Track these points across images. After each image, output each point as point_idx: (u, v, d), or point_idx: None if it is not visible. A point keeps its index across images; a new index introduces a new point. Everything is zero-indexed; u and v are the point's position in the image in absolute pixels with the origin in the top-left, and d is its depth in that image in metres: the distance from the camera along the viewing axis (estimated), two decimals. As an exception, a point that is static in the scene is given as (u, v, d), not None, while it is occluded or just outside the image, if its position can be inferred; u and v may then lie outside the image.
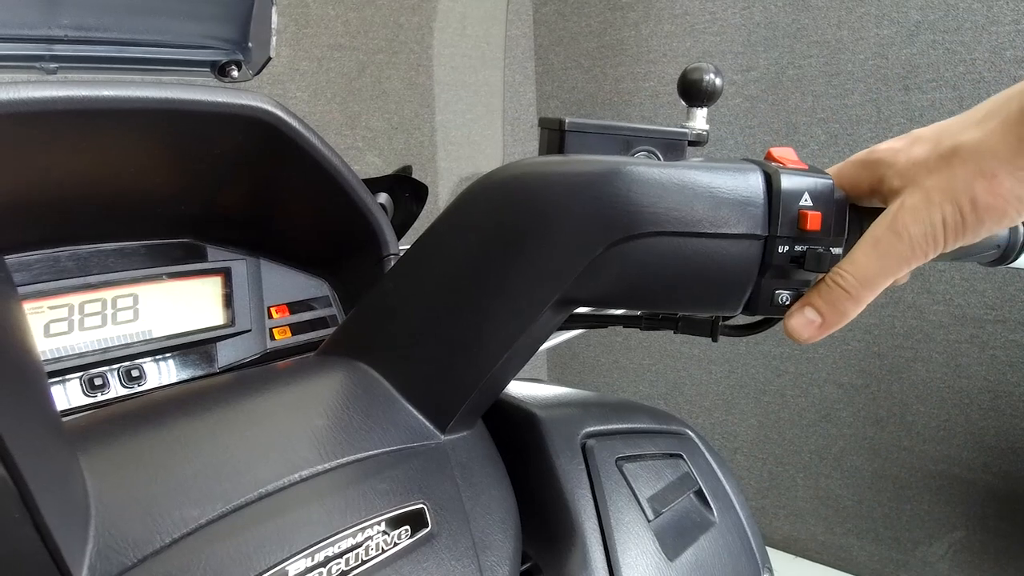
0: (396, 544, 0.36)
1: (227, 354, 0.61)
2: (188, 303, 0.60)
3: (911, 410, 1.46)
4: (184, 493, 0.33)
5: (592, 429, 0.51)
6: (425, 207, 0.75)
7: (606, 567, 0.45)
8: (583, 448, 0.50)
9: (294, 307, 0.66)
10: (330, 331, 0.67)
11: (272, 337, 0.63)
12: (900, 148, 0.38)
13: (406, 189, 0.72)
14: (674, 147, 0.42)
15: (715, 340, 0.47)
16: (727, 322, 0.47)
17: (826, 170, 0.40)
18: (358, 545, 0.35)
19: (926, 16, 1.34)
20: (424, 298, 0.43)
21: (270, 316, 0.64)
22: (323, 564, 0.33)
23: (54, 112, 0.44)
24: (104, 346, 0.55)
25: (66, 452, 0.31)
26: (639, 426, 0.54)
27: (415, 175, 0.73)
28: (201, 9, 0.61)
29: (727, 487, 0.55)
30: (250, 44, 0.64)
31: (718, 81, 0.44)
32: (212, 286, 0.61)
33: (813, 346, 1.56)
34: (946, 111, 1.33)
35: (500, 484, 0.44)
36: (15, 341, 0.24)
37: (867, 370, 1.50)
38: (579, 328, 0.58)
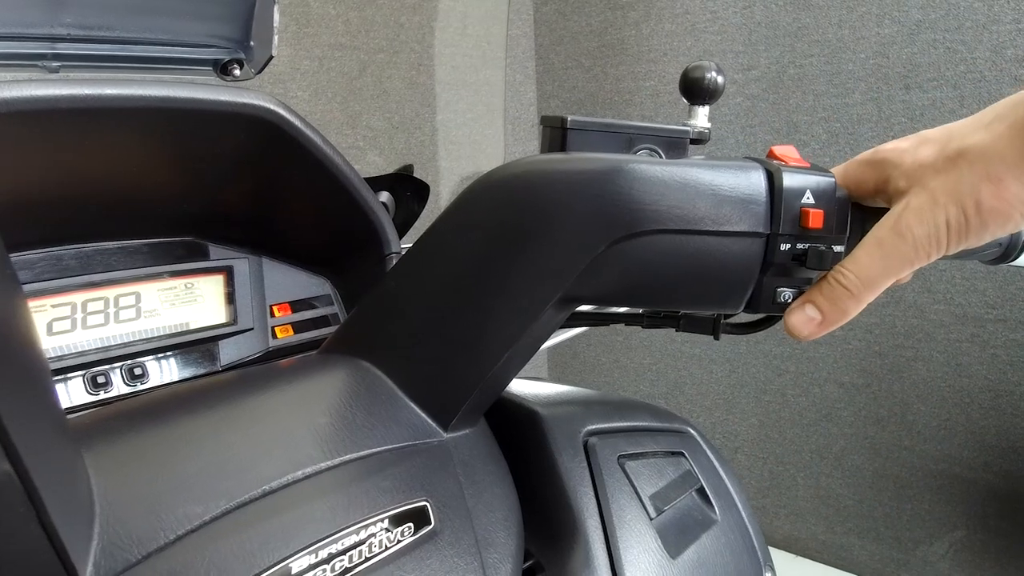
0: (399, 541, 0.36)
1: (229, 352, 0.61)
2: (190, 301, 0.60)
3: (912, 409, 1.46)
4: (188, 490, 0.33)
5: (594, 427, 0.51)
6: (426, 206, 0.75)
7: (608, 565, 0.45)
8: (585, 446, 0.50)
9: (296, 305, 0.66)
10: (332, 329, 0.67)
11: (274, 335, 0.63)
12: (906, 149, 0.38)
13: (408, 188, 0.72)
14: (676, 145, 0.42)
15: (717, 338, 0.47)
16: (729, 320, 0.47)
17: (831, 169, 0.40)
18: (361, 542, 0.35)
19: (927, 15, 1.34)
20: (426, 296, 0.43)
21: (272, 314, 0.64)
22: (326, 561, 0.33)
23: (57, 111, 0.44)
24: (107, 344, 0.55)
25: (71, 450, 0.31)
26: (641, 424, 0.55)
27: (416, 174, 0.73)
28: (203, 8, 0.61)
29: (729, 485, 0.56)
30: (252, 43, 0.64)
31: (720, 79, 0.44)
32: (214, 284, 0.61)
33: (814, 345, 1.56)
34: (947, 110, 1.33)
35: (502, 482, 0.44)
36: (21, 339, 0.24)
37: (868, 369, 1.50)
38: (581, 326, 0.58)
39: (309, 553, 0.33)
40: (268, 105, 0.52)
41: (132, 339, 0.56)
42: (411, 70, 1.66)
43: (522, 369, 0.44)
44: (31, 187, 0.49)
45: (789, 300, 0.40)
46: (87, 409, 0.53)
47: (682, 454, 0.55)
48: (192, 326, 0.59)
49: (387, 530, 0.36)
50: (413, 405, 0.42)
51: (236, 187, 0.58)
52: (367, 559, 0.35)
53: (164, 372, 0.57)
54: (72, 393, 0.53)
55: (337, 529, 0.34)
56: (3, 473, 0.23)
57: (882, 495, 1.53)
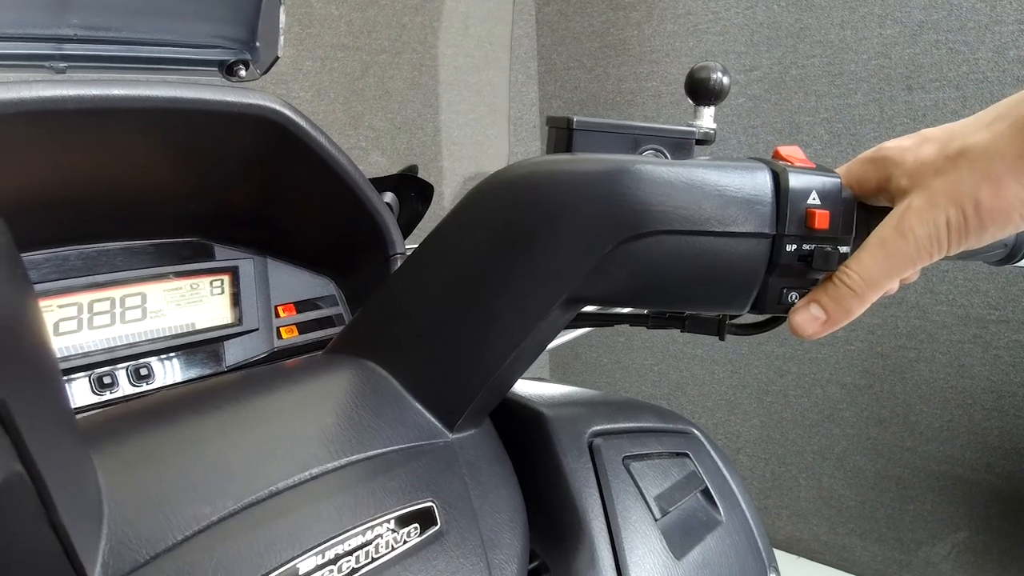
0: (405, 542, 0.36)
1: (235, 353, 0.61)
2: (196, 302, 0.60)
3: (914, 410, 1.46)
4: (195, 491, 0.33)
5: (599, 428, 0.51)
6: (429, 206, 0.75)
7: (613, 565, 0.45)
8: (590, 447, 0.50)
9: (301, 306, 0.66)
10: (337, 330, 0.67)
11: (279, 336, 0.63)
12: (908, 147, 0.38)
13: (412, 189, 0.72)
14: (681, 146, 0.42)
15: (722, 339, 0.47)
16: (734, 321, 0.47)
17: (834, 169, 0.40)
18: (368, 543, 0.35)
19: (929, 16, 1.34)
20: (432, 297, 0.43)
21: (277, 315, 0.64)
22: (333, 561, 0.33)
23: (64, 111, 0.44)
24: (112, 345, 0.55)
25: (80, 450, 0.31)
26: (645, 425, 0.55)
27: (419, 175, 0.73)
28: (209, 9, 0.61)
29: (733, 486, 0.56)
30: (258, 44, 0.64)
31: (725, 80, 0.44)
32: (220, 285, 0.61)
33: (816, 346, 1.56)
34: (949, 111, 1.33)
35: (508, 482, 0.44)
36: (32, 338, 0.24)
37: (870, 370, 1.50)
38: (585, 326, 0.58)
39: (316, 554, 0.33)
40: (274, 106, 0.52)
41: (138, 339, 0.56)
42: (413, 71, 1.66)
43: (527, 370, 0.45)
44: (38, 188, 0.49)
45: (795, 301, 0.40)
46: (93, 409, 0.53)
47: (687, 455, 0.55)
48: (198, 326, 0.59)
49: (393, 531, 0.36)
50: (419, 406, 0.42)
51: (242, 188, 0.58)
52: (374, 560, 0.35)
53: (170, 372, 0.58)
54: (78, 393, 0.53)
55: (344, 530, 0.34)
56: (14, 474, 0.23)
57: (884, 496, 1.53)
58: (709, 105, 0.44)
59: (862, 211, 0.40)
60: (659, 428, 0.55)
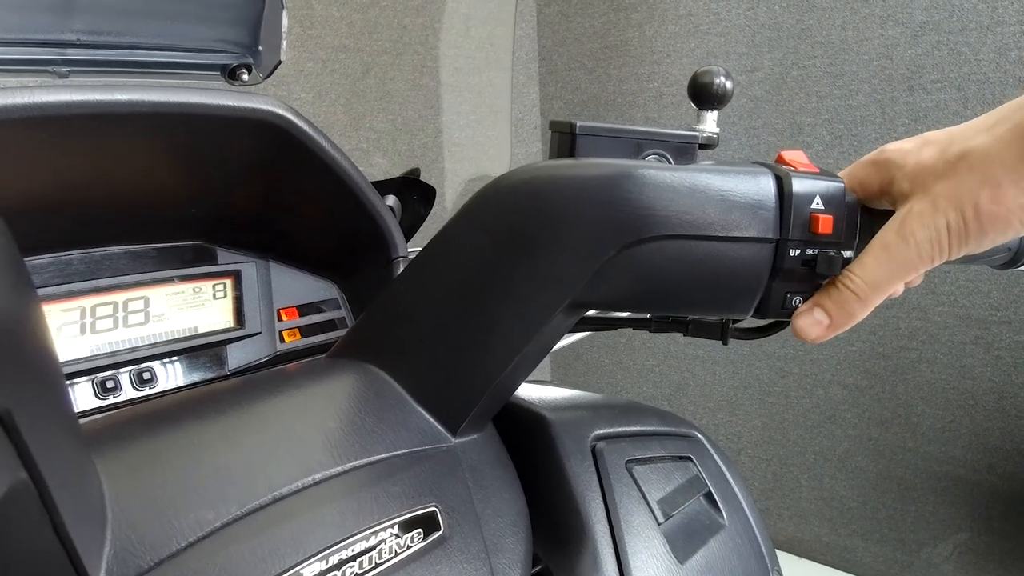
0: (409, 547, 0.36)
1: (237, 356, 0.61)
2: (198, 306, 0.60)
3: (916, 411, 1.46)
4: (199, 496, 0.33)
5: (602, 432, 0.51)
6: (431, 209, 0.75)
7: (617, 570, 0.45)
8: (593, 451, 0.50)
9: (303, 309, 0.66)
10: (339, 334, 0.67)
11: (282, 339, 0.64)
12: (909, 150, 0.38)
13: (414, 191, 0.72)
14: (685, 150, 0.42)
15: (725, 343, 0.47)
16: (737, 325, 0.47)
17: (837, 172, 0.40)
18: (371, 548, 0.35)
19: (931, 17, 1.34)
20: (435, 302, 0.43)
21: (280, 318, 0.64)
22: (337, 567, 0.33)
23: (67, 116, 0.44)
24: (115, 349, 0.55)
25: (84, 455, 0.31)
26: (648, 428, 0.55)
27: (421, 177, 0.73)
28: (212, 13, 0.61)
29: (736, 490, 0.56)
30: (260, 47, 0.65)
31: (728, 84, 0.44)
32: (222, 289, 0.61)
33: (818, 347, 1.56)
34: (951, 112, 1.33)
35: (511, 487, 0.44)
36: (36, 343, 0.24)
37: (872, 371, 1.50)
38: (588, 330, 0.58)
39: (320, 559, 0.33)
40: (277, 110, 0.52)
41: (141, 343, 0.56)
42: (415, 72, 1.66)
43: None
44: (41, 192, 0.50)
45: (798, 305, 0.40)
46: (96, 414, 0.53)
47: (690, 458, 0.55)
48: (200, 330, 0.59)
49: (397, 536, 0.36)
50: (422, 410, 0.42)
51: (244, 191, 0.58)
52: (377, 565, 0.35)
53: (172, 376, 0.58)
54: (81, 398, 0.53)
55: (347, 535, 0.34)
56: (19, 480, 0.23)
57: (886, 497, 1.52)
58: (712, 109, 0.44)
59: (865, 215, 0.40)
60: (662, 432, 0.55)
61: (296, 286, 0.66)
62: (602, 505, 0.47)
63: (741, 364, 1.69)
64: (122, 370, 0.55)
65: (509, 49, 1.87)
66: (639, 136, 0.41)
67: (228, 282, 0.62)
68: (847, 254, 0.39)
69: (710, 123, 0.44)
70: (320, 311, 0.67)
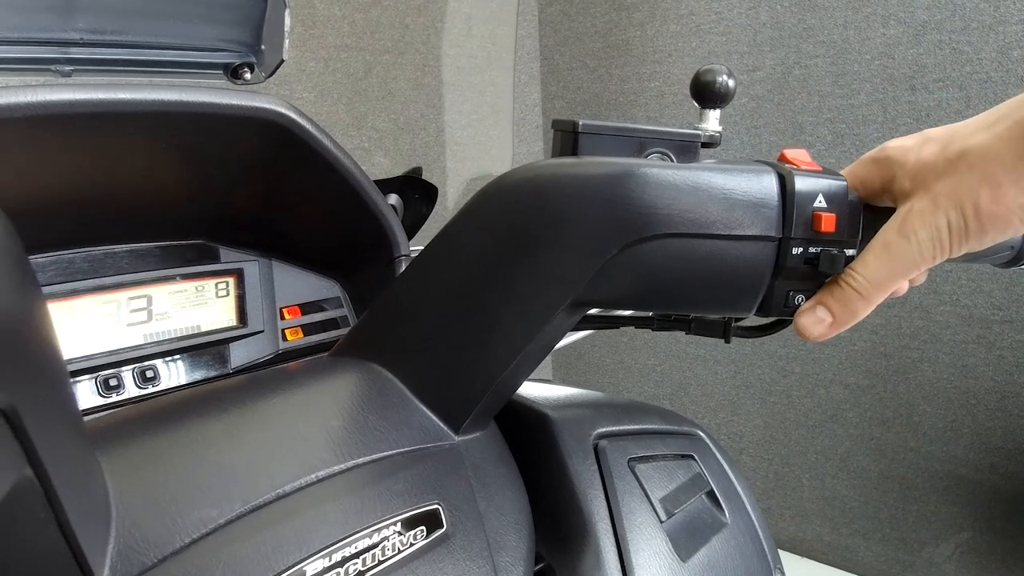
0: (412, 544, 0.36)
1: (240, 355, 0.61)
2: (201, 304, 0.60)
3: (918, 411, 1.46)
4: (202, 494, 0.33)
5: (604, 430, 0.51)
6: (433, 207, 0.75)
7: (619, 568, 0.45)
8: (595, 449, 0.50)
9: (306, 308, 0.66)
10: (341, 332, 0.67)
11: (284, 338, 0.64)
12: (910, 147, 0.38)
13: (416, 190, 0.72)
14: (687, 149, 0.42)
15: (728, 341, 0.47)
16: (739, 323, 0.47)
17: (839, 170, 0.40)
18: (374, 545, 0.35)
19: (933, 16, 1.33)
20: (437, 300, 0.43)
21: (282, 317, 0.64)
22: (340, 564, 0.33)
23: (71, 115, 0.44)
24: (118, 347, 0.55)
25: (88, 453, 0.31)
26: (650, 427, 0.55)
27: (423, 176, 0.73)
28: (215, 12, 0.61)
29: (738, 488, 0.56)
30: (263, 46, 0.65)
31: (731, 83, 0.44)
32: (225, 287, 0.62)
33: (819, 347, 1.56)
34: (953, 111, 1.33)
35: (513, 485, 0.44)
36: (41, 342, 0.24)
37: (873, 371, 1.50)
38: (590, 329, 0.58)
39: (323, 556, 0.33)
40: (279, 109, 0.52)
41: (143, 342, 0.56)
42: (416, 71, 1.66)
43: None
44: (43, 191, 0.50)
45: (800, 303, 0.40)
46: (100, 411, 0.53)
47: (692, 457, 0.55)
48: (203, 328, 0.60)
49: (400, 533, 0.36)
50: (424, 408, 0.43)
51: (247, 190, 0.58)
52: (380, 562, 0.35)
53: (175, 375, 0.58)
54: (84, 396, 0.53)
55: (350, 532, 0.34)
56: (24, 478, 0.23)
57: (888, 496, 1.52)
58: (715, 108, 0.44)
59: (867, 213, 0.40)
60: (664, 430, 0.55)
61: (298, 284, 0.66)
62: (604, 503, 0.47)
63: (743, 363, 1.69)
64: (125, 368, 0.55)
65: (511, 48, 1.87)
66: (642, 135, 0.41)
67: (231, 280, 0.62)
68: (849, 252, 0.39)
69: (713, 122, 0.44)
70: (322, 310, 0.67)
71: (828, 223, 0.37)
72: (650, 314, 0.50)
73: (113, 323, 0.55)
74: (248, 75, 0.66)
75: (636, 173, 0.37)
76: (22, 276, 0.23)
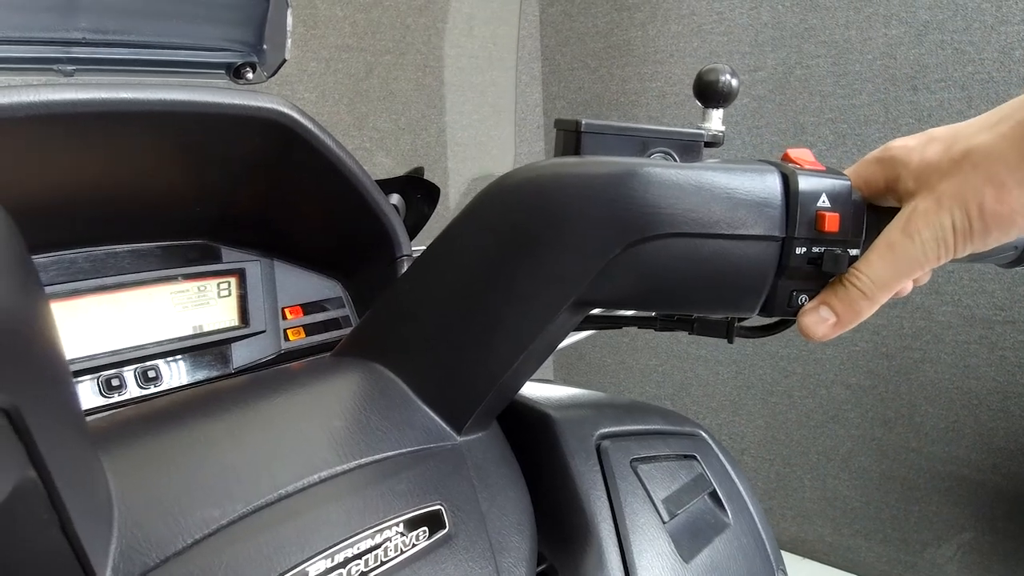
0: (414, 545, 0.36)
1: (242, 355, 0.61)
2: (203, 304, 0.60)
3: (919, 411, 1.46)
4: (205, 494, 0.33)
5: (606, 430, 0.51)
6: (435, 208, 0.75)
7: (622, 568, 0.45)
8: (598, 449, 0.50)
9: (308, 308, 0.66)
10: (343, 332, 0.67)
11: (286, 338, 0.64)
12: (914, 147, 0.38)
13: (418, 190, 0.72)
14: (690, 148, 0.42)
15: (731, 341, 0.47)
16: (743, 323, 0.47)
17: (843, 170, 0.40)
18: (377, 546, 0.35)
19: (935, 16, 1.33)
20: (439, 300, 0.43)
21: (284, 317, 0.64)
22: (343, 565, 0.33)
23: (73, 115, 0.44)
24: (120, 347, 0.55)
25: (91, 453, 0.31)
26: (653, 427, 0.54)
27: (424, 176, 0.73)
28: (217, 12, 0.61)
29: (741, 489, 0.55)
30: (265, 46, 0.65)
31: (734, 82, 0.44)
32: (227, 287, 0.61)
33: (821, 347, 1.56)
34: (955, 111, 1.33)
35: (516, 485, 0.44)
36: (43, 342, 0.24)
37: (875, 371, 1.50)
38: (593, 329, 0.58)
39: (325, 557, 0.33)
40: (281, 108, 0.52)
41: (145, 342, 0.56)
42: (418, 71, 1.66)
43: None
44: (45, 191, 0.50)
45: (804, 303, 0.40)
46: (101, 412, 0.53)
47: (694, 457, 0.54)
48: (205, 328, 0.60)
49: (402, 534, 0.36)
50: (427, 408, 0.42)
51: (249, 190, 0.58)
52: (383, 563, 0.35)
53: (177, 375, 0.58)
54: (86, 396, 0.53)
55: (353, 533, 0.34)
56: (27, 478, 0.23)
57: (889, 497, 1.52)
58: (718, 107, 0.44)
59: (871, 213, 0.40)
60: (666, 430, 0.55)
61: (300, 284, 0.66)
62: (607, 504, 0.47)
63: (744, 364, 1.69)
64: (127, 368, 0.55)
65: (512, 48, 1.87)
66: (645, 134, 0.41)
67: (232, 280, 0.62)
68: (853, 252, 0.38)
69: (716, 121, 0.44)
70: (324, 309, 0.67)
71: (832, 223, 0.37)
72: (653, 314, 0.50)
73: (115, 323, 0.55)
74: (250, 75, 0.66)
75: (639, 172, 0.37)
76: (25, 276, 0.23)
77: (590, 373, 2.00)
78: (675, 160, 0.42)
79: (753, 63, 1.56)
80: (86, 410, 0.53)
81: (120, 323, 0.56)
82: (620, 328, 0.53)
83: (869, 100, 1.43)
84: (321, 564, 0.33)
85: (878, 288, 0.38)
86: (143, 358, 0.56)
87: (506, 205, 0.40)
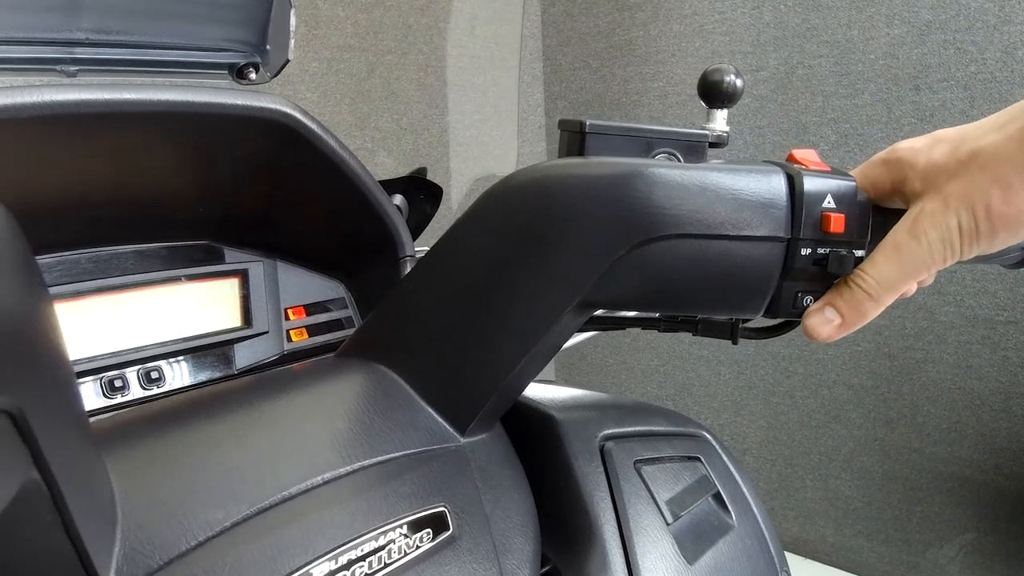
0: (418, 547, 0.36)
1: (245, 355, 0.61)
2: (206, 305, 0.60)
3: (922, 411, 1.46)
4: (208, 496, 0.33)
5: (610, 431, 0.51)
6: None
7: (626, 570, 0.44)
8: (601, 450, 0.49)
9: (311, 309, 0.66)
10: (346, 333, 0.67)
11: (289, 339, 0.63)
12: (921, 148, 0.38)
13: (421, 190, 0.72)
14: (695, 149, 0.42)
15: (735, 343, 0.46)
16: (747, 324, 0.47)
17: (849, 171, 0.40)
18: (381, 548, 0.35)
19: (937, 16, 1.33)
20: (443, 301, 0.43)
21: (287, 318, 0.64)
22: (346, 567, 0.33)
23: (75, 115, 0.44)
24: (123, 348, 0.55)
25: (94, 455, 0.31)
26: (656, 428, 0.54)
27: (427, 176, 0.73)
28: (220, 12, 0.61)
29: (744, 490, 0.55)
30: (268, 47, 0.65)
31: (738, 82, 0.44)
32: (230, 288, 0.61)
33: (823, 347, 1.55)
34: (957, 111, 1.33)
35: (519, 487, 0.44)
36: (47, 343, 0.24)
37: (877, 371, 1.50)
38: (597, 330, 0.58)
39: (329, 559, 0.33)
40: (284, 109, 0.52)
41: (148, 343, 0.56)
42: (419, 71, 1.66)
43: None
44: (49, 191, 0.50)
45: (809, 304, 0.40)
46: (104, 413, 0.53)
47: (698, 459, 0.54)
48: (208, 329, 0.59)
49: (406, 536, 0.36)
50: (430, 410, 0.42)
51: (252, 190, 0.58)
52: (387, 565, 0.35)
53: (180, 376, 0.58)
54: (88, 397, 0.53)
55: (357, 535, 0.34)
56: (31, 480, 0.23)
57: (891, 497, 1.52)
58: (722, 108, 0.44)
59: (877, 214, 0.40)
60: (670, 432, 0.55)
61: (303, 285, 0.66)
62: (611, 505, 0.47)
63: (746, 364, 1.69)
64: (129, 369, 0.55)
65: (515, 48, 1.87)
66: (649, 135, 0.41)
67: (235, 281, 0.62)
68: (859, 253, 0.38)
69: (720, 121, 0.44)
70: (327, 310, 0.67)
71: (837, 224, 0.37)
72: (657, 315, 0.50)
73: (118, 324, 0.55)
74: (253, 75, 0.66)
75: (644, 173, 0.36)
76: (29, 277, 0.23)
77: (592, 373, 2.00)
78: (679, 161, 0.41)
79: (755, 63, 1.56)
80: (89, 411, 0.53)
81: (123, 324, 0.55)
82: (624, 329, 0.53)
83: (871, 100, 1.42)
84: (325, 566, 0.33)
85: (884, 290, 0.38)
86: (146, 359, 0.56)
87: (510, 206, 0.40)
